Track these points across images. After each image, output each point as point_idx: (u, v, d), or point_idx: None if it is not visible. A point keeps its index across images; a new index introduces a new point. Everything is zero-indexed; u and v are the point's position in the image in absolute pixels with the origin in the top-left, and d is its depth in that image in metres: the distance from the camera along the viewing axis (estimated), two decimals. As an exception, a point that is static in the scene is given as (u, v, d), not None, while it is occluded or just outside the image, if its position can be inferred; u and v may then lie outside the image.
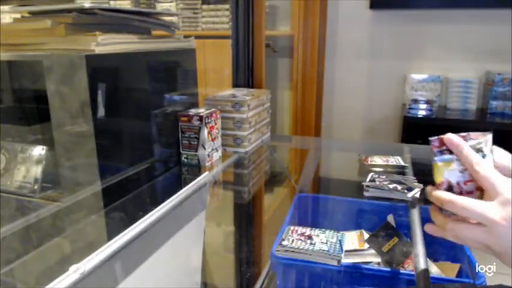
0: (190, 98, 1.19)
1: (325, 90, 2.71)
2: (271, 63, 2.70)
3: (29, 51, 0.85)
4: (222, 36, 2.47)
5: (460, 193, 0.52)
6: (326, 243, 0.90)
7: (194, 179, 0.83)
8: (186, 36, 1.15)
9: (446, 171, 0.53)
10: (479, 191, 0.52)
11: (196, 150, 1.10)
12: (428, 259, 0.78)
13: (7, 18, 0.94)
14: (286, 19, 2.68)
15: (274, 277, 0.98)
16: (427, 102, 2.41)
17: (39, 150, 0.93)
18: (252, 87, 1.57)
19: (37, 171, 0.92)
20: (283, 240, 0.92)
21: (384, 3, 2.45)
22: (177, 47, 1.11)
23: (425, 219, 0.89)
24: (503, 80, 2.24)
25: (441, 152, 0.53)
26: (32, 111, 1.05)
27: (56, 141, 0.85)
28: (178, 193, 0.75)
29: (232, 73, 1.55)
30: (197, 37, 1.22)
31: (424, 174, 1.13)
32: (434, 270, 1.02)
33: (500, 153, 0.54)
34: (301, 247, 0.88)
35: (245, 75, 1.54)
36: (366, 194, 1.04)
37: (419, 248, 0.77)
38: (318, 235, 0.94)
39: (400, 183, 1.04)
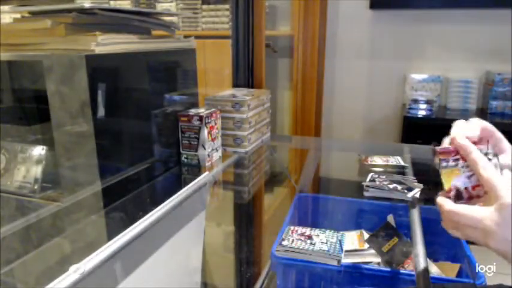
0: (190, 98, 1.19)
1: (325, 90, 2.71)
2: (271, 63, 2.70)
3: (29, 51, 0.85)
4: (222, 36, 2.47)
5: (469, 198, 0.53)
6: (326, 243, 0.90)
7: (194, 179, 0.83)
8: (186, 36, 1.15)
9: (454, 178, 0.53)
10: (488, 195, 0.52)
11: (196, 150, 1.10)
12: (428, 259, 0.78)
13: (7, 18, 0.94)
14: (286, 19, 2.68)
15: (274, 277, 0.98)
16: (427, 102, 2.41)
17: (39, 150, 0.93)
18: (252, 87, 1.57)
19: (37, 171, 0.92)
20: (283, 240, 0.92)
21: (384, 3, 2.45)
22: (177, 47, 1.11)
23: (425, 219, 0.89)
24: (503, 80, 2.24)
25: (447, 160, 0.53)
26: (32, 111, 1.05)
27: (56, 141, 0.85)
28: (178, 193, 0.75)
29: (232, 73, 1.55)
30: (197, 37, 1.22)
31: (424, 174, 1.13)
32: (434, 270, 1.02)
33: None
34: (301, 247, 0.88)
35: (245, 75, 1.54)
36: (366, 194, 1.04)
37: (419, 248, 0.77)
38: (318, 235, 0.94)
39: (400, 183, 1.04)
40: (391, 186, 1.02)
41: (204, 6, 2.56)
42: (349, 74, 2.67)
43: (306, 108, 2.53)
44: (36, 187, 0.91)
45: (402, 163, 1.22)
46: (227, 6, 2.50)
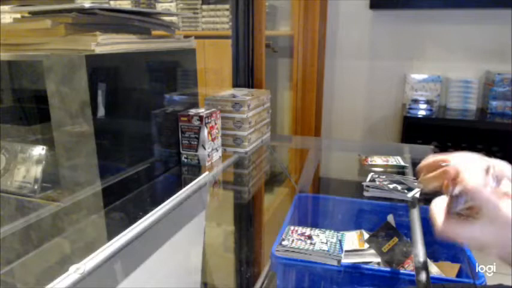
0: (190, 98, 1.19)
1: (325, 90, 2.71)
2: (271, 63, 2.70)
3: (29, 51, 0.85)
4: (222, 36, 2.47)
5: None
6: (326, 243, 0.90)
7: (194, 179, 0.83)
8: (186, 36, 1.15)
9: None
10: None
11: (196, 150, 1.10)
12: (428, 259, 0.78)
13: (7, 18, 0.94)
14: (286, 19, 2.68)
15: (274, 277, 0.98)
16: (427, 102, 2.41)
17: (39, 150, 0.93)
18: (252, 87, 1.57)
19: (37, 171, 0.92)
20: (283, 240, 0.92)
21: (384, 3, 2.45)
22: (177, 47, 1.11)
23: (425, 219, 0.89)
24: (503, 80, 2.24)
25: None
26: (32, 111, 1.05)
27: (56, 141, 0.85)
28: (178, 193, 0.75)
29: (232, 73, 1.55)
30: (197, 37, 1.22)
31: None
32: (434, 270, 1.02)
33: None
34: (301, 247, 0.88)
35: (245, 75, 1.54)
36: (366, 194, 1.04)
37: (419, 248, 0.77)
38: (318, 235, 0.94)
39: (400, 183, 1.04)
40: (391, 186, 1.02)
41: (204, 6, 2.56)
42: (349, 74, 2.67)
43: (306, 108, 2.53)
44: (36, 187, 0.91)
45: (402, 163, 1.22)
46: (227, 6, 2.50)
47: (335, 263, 0.85)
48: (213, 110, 1.14)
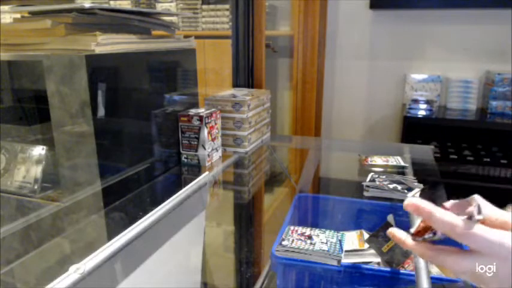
0: (190, 98, 1.19)
1: (325, 90, 2.71)
2: (271, 63, 2.70)
3: (29, 51, 0.85)
4: (222, 36, 2.47)
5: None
6: (326, 243, 0.90)
7: (194, 179, 0.83)
8: (186, 36, 1.15)
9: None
10: None
11: (196, 150, 1.10)
12: (428, 259, 0.78)
13: (7, 18, 0.94)
14: (286, 19, 2.68)
15: (274, 277, 0.98)
16: (427, 102, 2.41)
17: (39, 150, 0.93)
18: (252, 87, 1.57)
19: (37, 171, 0.92)
20: (283, 240, 0.92)
21: (384, 3, 2.45)
22: (177, 47, 1.11)
23: (425, 219, 0.89)
24: (503, 80, 2.24)
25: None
26: (32, 111, 1.05)
27: (56, 141, 0.85)
28: (178, 193, 0.75)
29: (232, 73, 1.55)
30: (197, 37, 1.22)
31: (424, 174, 1.13)
32: (434, 270, 1.02)
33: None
34: (301, 247, 0.88)
35: (245, 75, 1.54)
36: (366, 194, 1.04)
37: (419, 248, 0.76)
38: (318, 235, 0.94)
39: (400, 183, 1.04)
40: (391, 186, 1.03)
41: (204, 6, 2.56)
42: (349, 74, 2.67)
43: (306, 108, 2.53)
44: (36, 187, 0.91)
45: (402, 163, 1.22)
46: (227, 6, 2.50)
47: (335, 263, 0.85)
48: (213, 110, 1.14)
